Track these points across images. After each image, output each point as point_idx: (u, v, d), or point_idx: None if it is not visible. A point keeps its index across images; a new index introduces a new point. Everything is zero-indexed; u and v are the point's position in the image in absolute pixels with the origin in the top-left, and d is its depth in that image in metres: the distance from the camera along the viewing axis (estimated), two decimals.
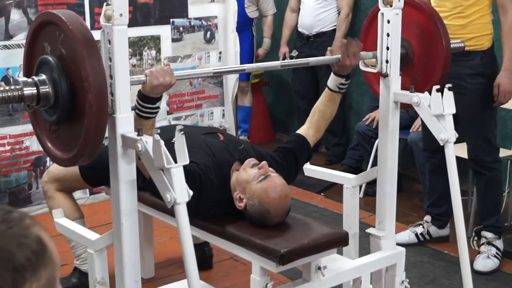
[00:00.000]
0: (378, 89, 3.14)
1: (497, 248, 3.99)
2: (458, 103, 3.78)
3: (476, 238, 4.18)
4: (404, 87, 3.05)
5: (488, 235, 4.01)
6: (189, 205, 2.35)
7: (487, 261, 3.93)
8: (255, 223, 2.76)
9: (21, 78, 2.26)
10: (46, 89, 2.24)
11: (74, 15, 2.24)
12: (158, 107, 2.48)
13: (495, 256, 3.95)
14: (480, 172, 3.98)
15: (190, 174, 2.64)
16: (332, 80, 3.08)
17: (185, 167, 2.23)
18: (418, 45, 3.10)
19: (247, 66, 3.01)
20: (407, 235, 4.24)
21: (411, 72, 3.13)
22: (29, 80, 2.25)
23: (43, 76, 2.26)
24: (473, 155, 3.96)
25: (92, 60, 2.15)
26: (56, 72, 2.23)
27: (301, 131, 3.15)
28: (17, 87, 2.23)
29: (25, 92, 2.22)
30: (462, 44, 3.32)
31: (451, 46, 3.12)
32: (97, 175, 3.02)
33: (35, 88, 2.24)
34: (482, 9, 3.77)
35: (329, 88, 3.10)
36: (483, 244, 4.02)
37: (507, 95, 3.76)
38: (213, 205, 2.80)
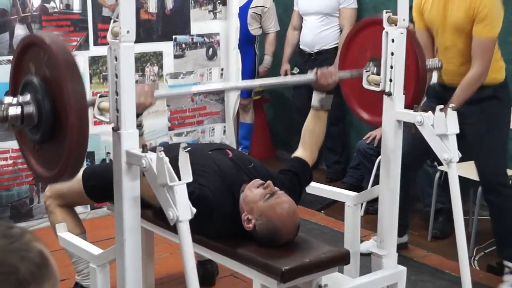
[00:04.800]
0: (358, 110, 3.29)
1: None
2: (477, 126, 3.77)
3: (497, 266, 4.11)
4: (377, 111, 3.14)
5: (511, 264, 3.92)
6: (200, 227, 2.36)
7: None
8: (264, 243, 2.75)
9: (6, 98, 2.28)
10: (30, 109, 2.26)
11: (57, 38, 2.31)
12: (140, 123, 2.48)
13: None
14: (492, 200, 3.91)
15: (201, 199, 2.63)
16: (314, 97, 3.13)
17: (194, 191, 2.24)
18: None
19: (223, 85, 2.95)
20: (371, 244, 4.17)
21: None
22: (14, 100, 2.27)
23: (28, 96, 2.28)
24: (487, 177, 3.89)
25: (74, 82, 2.17)
26: (39, 93, 2.25)
27: (297, 154, 3.18)
28: (2, 107, 2.25)
29: (9, 112, 2.25)
30: (439, 65, 3.33)
31: (428, 64, 3.15)
32: (102, 191, 3.02)
33: (20, 108, 2.26)
34: None
35: (312, 107, 3.15)
36: (506, 273, 3.94)
37: None
38: (222, 226, 2.80)
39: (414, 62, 3.10)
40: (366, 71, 3.12)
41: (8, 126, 2.29)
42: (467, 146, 3.81)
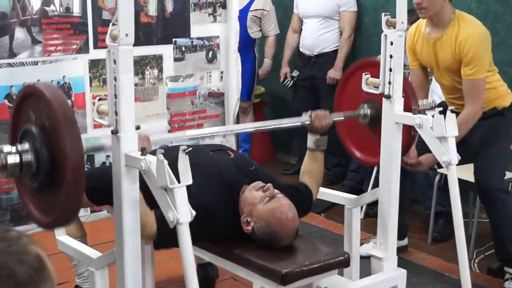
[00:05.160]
0: (353, 150, 3.39)
1: None
2: (479, 134, 3.78)
3: (497, 269, 4.11)
4: (371, 151, 3.24)
5: (511, 270, 3.94)
6: (201, 234, 2.40)
7: None
8: (263, 246, 2.74)
9: (5, 147, 2.32)
10: (28, 158, 2.31)
11: (58, 92, 2.37)
12: None
13: None
14: (489, 205, 3.93)
15: (194, 207, 2.61)
16: (309, 139, 3.15)
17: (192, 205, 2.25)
18: None
19: (218, 129, 2.93)
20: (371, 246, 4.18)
21: (380, 135, 3.18)
22: (13, 149, 2.32)
23: (26, 145, 2.32)
24: (484, 182, 3.88)
25: (72, 137, 2.21)
26: (38, 142, 2.29)
27: None
28: (1, 156, 2.30)
29: (8, 160, 2.29)
30: (433, 105, 3.37)
31: (421, 104, 3.18)
32: (102, 193, 3.01)
33: (18, 156, 2.31)
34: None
35: (308, 148, 3.16)
36: (507, 280, 3.95)
37: None
38: (222, 228, 2.78)
39: (407, 106, 3.13)
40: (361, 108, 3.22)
41: (7, 174, 2.34)
42: (467, 151, 3.81)
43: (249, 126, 3.03)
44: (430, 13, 3.69)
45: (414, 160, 3.57)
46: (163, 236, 2.54)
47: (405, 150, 3.20)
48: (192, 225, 2.25)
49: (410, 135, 3.14)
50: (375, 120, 3.21)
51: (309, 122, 3.09)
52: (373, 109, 3.20)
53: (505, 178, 3.99)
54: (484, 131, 3.80)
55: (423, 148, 3.77)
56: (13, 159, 2.29)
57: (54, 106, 2.22)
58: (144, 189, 2.39)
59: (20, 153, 2.31)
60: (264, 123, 3.27)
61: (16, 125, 2.47)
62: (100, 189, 2.94)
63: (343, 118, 3.25)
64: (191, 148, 2.26)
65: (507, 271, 3.95)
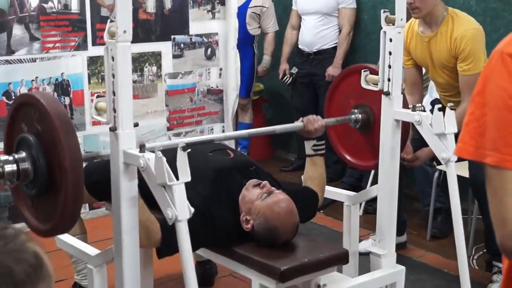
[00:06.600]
0: (345, 155, 3.42)
1: None
2: None
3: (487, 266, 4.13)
4: (363, 156, 3.30)
5: (500, 264, 3.95)
6: (202, 239, 2.44)
7: None
8: (264, 244, 2.73)
9: (2, 156, 2.33)
10: (25, 165, 2.32)
11: (49, 94, 2.32)
12: None
13: None
14: (482, 200, 3.93)
15: (198, 215, 2.58)
16: (306, 146, 3.14)
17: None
18: (379, 111, 3.15)
19: (215, 136, 2.93)
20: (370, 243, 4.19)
21: (372, 139, 3.19)
22: (10, 158, 2.33)
23: (23, 154, 2.33)
24: (478, 176, 3.89)
25: (68, 139, 2.22)
26: (34, 149, 2.30)
27: None
28: None
29: (6, 169, 2.30)
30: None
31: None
32: (104, 188, 2.99)
33: (15, 165, 2.32)
34: None
35: (306, 155, 3.15)
36: (495, 273, 3.96)
37: None
38: (224, 229, 2.77)
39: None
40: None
41: (4, 182, 2.35)
42: None
43: (244, 132, 3.07)
44: (423, 12, 3.71)
45: (410, 155, 3.59)
46: (167, 243, 2.55)
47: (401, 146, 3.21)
48: (194, 231, 2.25)
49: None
50: (367, 124, 3.25)
51: (302, 127, 3.09)
52: (364, 114, 3.24)
53: None
54: None
55: (418, 146, 3.79)
56: (10, 167, 2.31)
57: (49, 111, 2.23)
58: (141, 191, 2.39)
59: (17, 161, 2.32)
60: (258, 130, 3.27)
61: (11, 133, 2.48)
62: (102, 183, 2.93)
63: (335, 122, 3.28)
64: (189, 150, 2.24)
65: (495, 265, 3.98)
